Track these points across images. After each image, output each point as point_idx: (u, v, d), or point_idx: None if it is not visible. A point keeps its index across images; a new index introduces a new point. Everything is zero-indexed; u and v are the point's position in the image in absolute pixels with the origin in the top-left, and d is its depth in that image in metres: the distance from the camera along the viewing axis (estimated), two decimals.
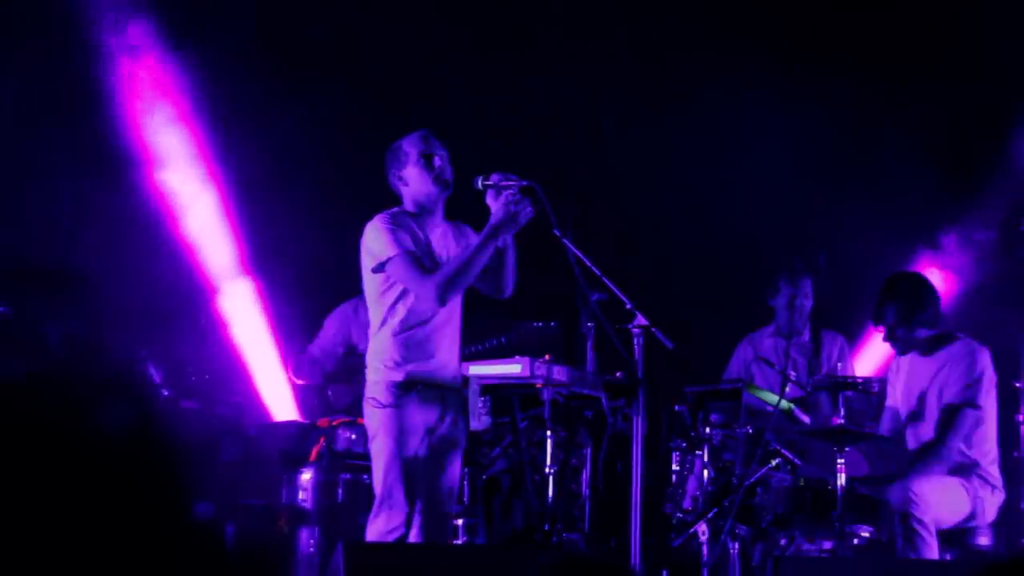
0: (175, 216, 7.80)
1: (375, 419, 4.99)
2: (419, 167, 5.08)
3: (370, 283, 5.10)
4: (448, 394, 5.05)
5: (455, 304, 5.12)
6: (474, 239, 5.11)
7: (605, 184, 8.14)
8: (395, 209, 5.13)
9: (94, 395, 1.60)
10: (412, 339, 5.01)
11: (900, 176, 7.82)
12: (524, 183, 4.95)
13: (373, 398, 5.00)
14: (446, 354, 5.07)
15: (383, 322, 5.06)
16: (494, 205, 4.99)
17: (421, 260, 4.99)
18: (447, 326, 5.08)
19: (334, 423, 6.70)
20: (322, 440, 6.74)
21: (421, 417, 4.98)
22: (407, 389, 4.97)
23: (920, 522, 5.34)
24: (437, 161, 5.08)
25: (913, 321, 5.75)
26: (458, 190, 5.15)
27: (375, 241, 5.03)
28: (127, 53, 7.55)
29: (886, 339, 5.83)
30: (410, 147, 5.11)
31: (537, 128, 7.98)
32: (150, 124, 7.62)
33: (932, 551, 5.35)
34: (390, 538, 4.86)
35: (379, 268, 5.01)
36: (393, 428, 4.92)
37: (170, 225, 7.79)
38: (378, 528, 4.90)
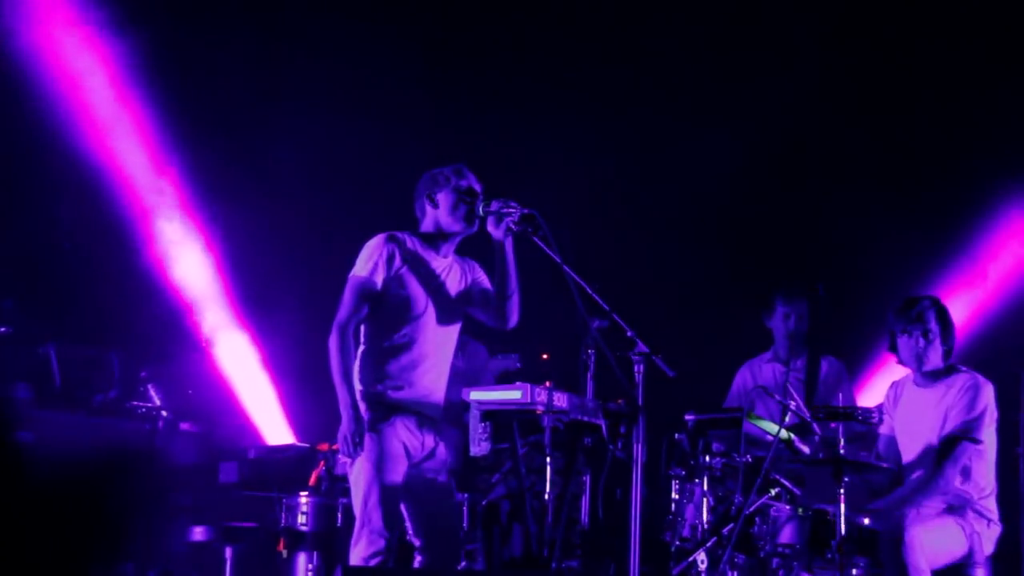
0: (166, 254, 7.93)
1: None
2: (454, 196, 5.07)
3: None
4: (429, 422, 5.02)
5: (449, 333, 5.11)
6: (483, 277, 5.14)
7: (604, 211, 8.16)
8: (405, 231, 5.11)
9: None
10: (395, 363, 4.99)
11: (904, 205, 7.86)
12: (525, 210, 4.96)
13: None
14: (431, 382, 5.03)
15: (367, 342, 5.04)
16: (495, 232, 5.00)
17: (367, 299, 4.97)
18: (436, 354, 5.05)
19: (333, 447, 6.69)
20: (321, 464, 6.75)
21: (401, 444, 4.94)
22: (387, 414, 4.94)
23: (917, 569, 5.33)
24: (474, 197, 5.07)
25: (945, 336, 5.74)
26: None
27: (362, 253, 5.04)
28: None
29: (913, 338, 5.77)
30: (450, 174, 5.11)
31: (534, 156, 8.01)
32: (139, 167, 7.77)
33: None
34: (372, 563, 4.83)
35: None
36: (372, 453, 4.89)
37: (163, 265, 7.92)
38: (359, 554, 4.86)
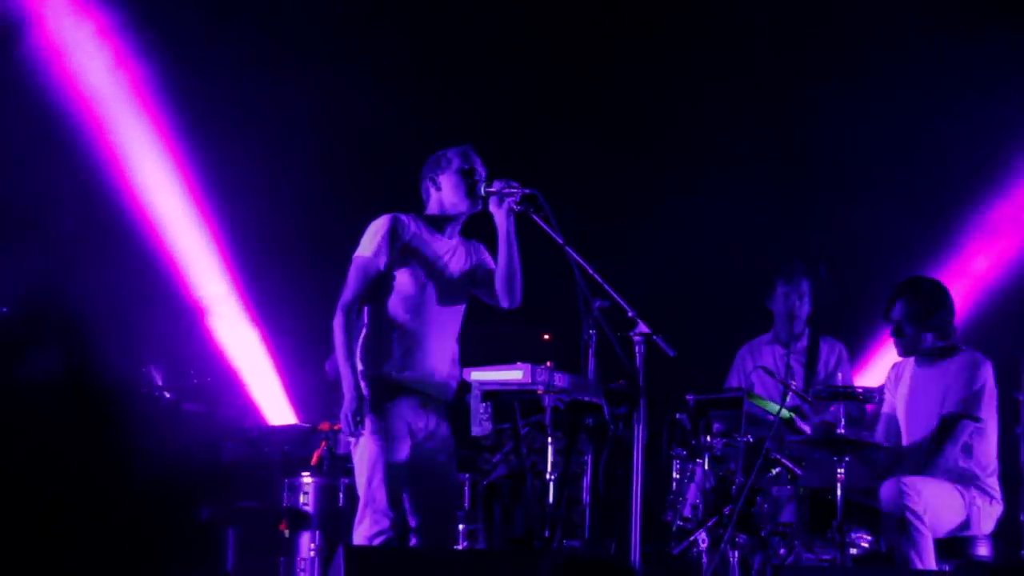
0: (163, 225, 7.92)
1: None
2: (457, 176, 5.08)
3: None
4: (433, 402, 5.04)
5: (453, 314, 5.12)
6: (487, 258, 5.14)
7: (606, 191, 8.15)
8: (410, 214, 5.13)
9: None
10: (399, 343, 5.00)
11: (907, 185, 7.85)
12: (527, 191, 4.97)
13: None
14: (435, 361, 5.03)
15: (371, 322, 5.05)
16: (497, 213, 5.01)
17: (370, 279, 4.98)
18: (439, 334, 5.06)
19: (335, 426, 6.71)
20: (323, 444, 6.76)
21: (405, 423, 4.96)
22: (391, 395, 4.96)
23: (914, 513, 5.33)
24: (476, 176, 5.08)
25: (925, 322, 5.72)
26: None
27: (366, 234, 5.06)
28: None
29: (892, 334, 5.80)
30: (454, 156, 5.11)
31: (536, 134, 8.00)
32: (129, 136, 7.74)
33: (928, 545, 5.33)
34: (376, 542, 4.86)
35: None
36: (377, 433, 4.92)
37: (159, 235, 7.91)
38: (363, 533, 4.89)
